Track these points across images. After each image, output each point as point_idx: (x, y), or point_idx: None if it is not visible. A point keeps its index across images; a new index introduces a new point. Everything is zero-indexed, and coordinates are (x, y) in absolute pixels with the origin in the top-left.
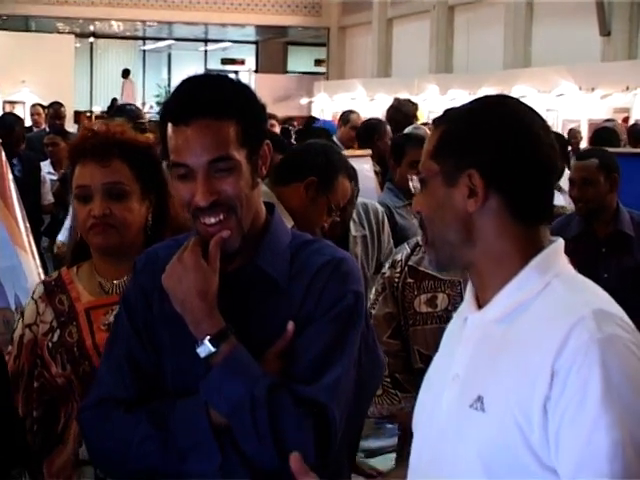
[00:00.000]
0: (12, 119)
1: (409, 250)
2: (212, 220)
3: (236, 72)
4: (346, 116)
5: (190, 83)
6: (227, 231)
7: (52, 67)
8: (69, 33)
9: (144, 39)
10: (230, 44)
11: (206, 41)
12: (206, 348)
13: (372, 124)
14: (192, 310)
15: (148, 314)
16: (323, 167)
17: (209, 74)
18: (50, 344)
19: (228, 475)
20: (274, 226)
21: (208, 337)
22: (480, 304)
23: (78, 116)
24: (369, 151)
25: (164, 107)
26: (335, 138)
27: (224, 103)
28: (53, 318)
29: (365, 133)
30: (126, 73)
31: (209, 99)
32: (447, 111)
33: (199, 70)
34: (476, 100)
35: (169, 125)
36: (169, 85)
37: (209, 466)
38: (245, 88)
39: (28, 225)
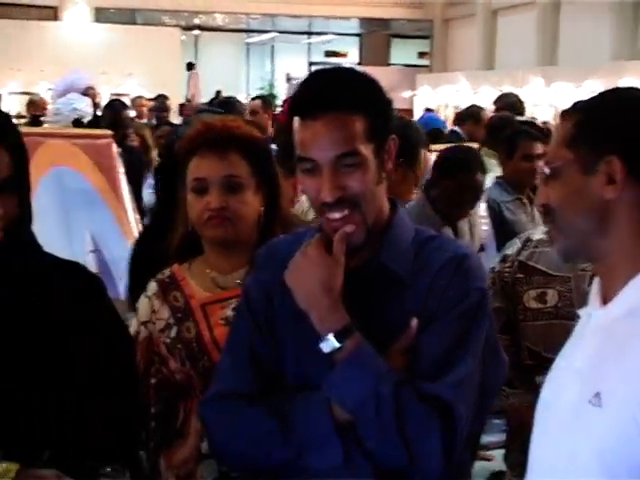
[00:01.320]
0: (119, 104)
1: (520, 245)
2: (337, 215)
3: (339, 64)
4: (473, 111)
5: (318, 77)
6: (351, 226)
7: (158, 60)
8: (175, 26)
9: (248, 32)
10: (334, 37)
11: (310, 34)
12: (330, 344)
13: (502, 119)
14: (316, 306)
15: (269, 309)
16: (406, 144)
17: (337, 67)
18: (168, 340)
19: (351, 472)
20: (398, 222)
21: (332, 333)
22: (605, 300)
23: (183, 108)
24: None
25: (292, 101)
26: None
27: (352, 97)
28: (170, 315)
29: (495, 128)
30: (190, 66)
31: (337, 93)
32: (577, 102)
33: (302, 63)
34: (608, 91)
35: (296, 119)
36: (272, 78)
37: (331, 462)
38: (372, 82)
39: (138, 216)
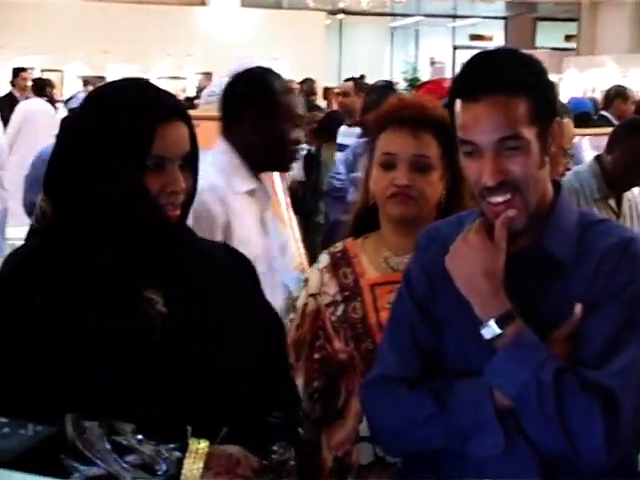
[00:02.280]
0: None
1: None
2: (499, 199)
3: (484, 48)
4: (618, 89)
5: (480, 59)
6: (513, 210)
7: (303, 44)
8: (320, 10)
9: (392, 15)
10: (479, 20)
11: (454, 17)
12: (491, 330)
13: None
14: (477, 291)
15: (430, 292)
16: None
17: (500, 49)
18: (333, 317)
19: (512, 459)
20: (561, 206)
21: (494, 319)
22: None
23: (327, 92)
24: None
25: (453, 83)
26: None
27: (515, 79)
28: (337, 291)
29: None
30: None
31: (500, 75)
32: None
33: (446, 47)
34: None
35: (457, 101)
36: (416, 62)
37: (493, 449)
38: (536, 63)
39: (289, 200)
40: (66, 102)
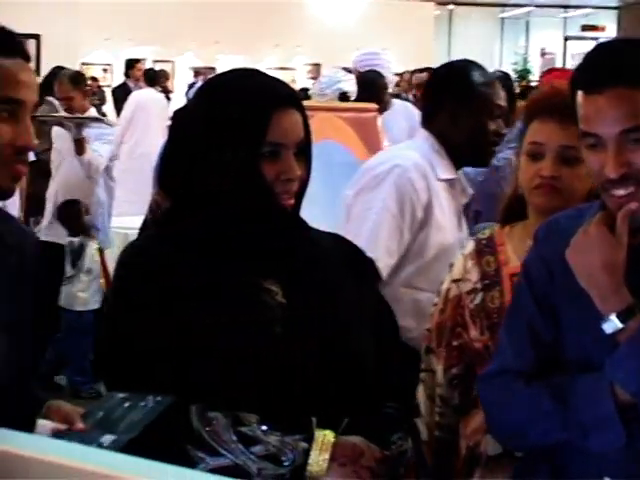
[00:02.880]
0: (375, 74)
1: None
2: (621, 192)
3: (596, 39)
4: None
5: (604, 49)
6: (636, 203)
7: (412, 34)
8: (429, 1)
9: (503, 6)
10: (591, 10)
11: (566, 7)
12: (612, 324)
13: None
14: (598, 285)
15: (549, 285)
16: None
17: (623, 39)
18: (472, 305)
19: (635, 455)
20: None
21: (615, 313)
22: None
23: None
24: None
25: (575, 74)
26: None
27: (639, 70)
28: (478, 279)
29: None
30: None
31: (624, 66)
32: None
33: (557, 37)
34: None
35: (579, 93)
36: (526, 52)
37: (614, 445)
38: None
39: None
40: (187, 92)
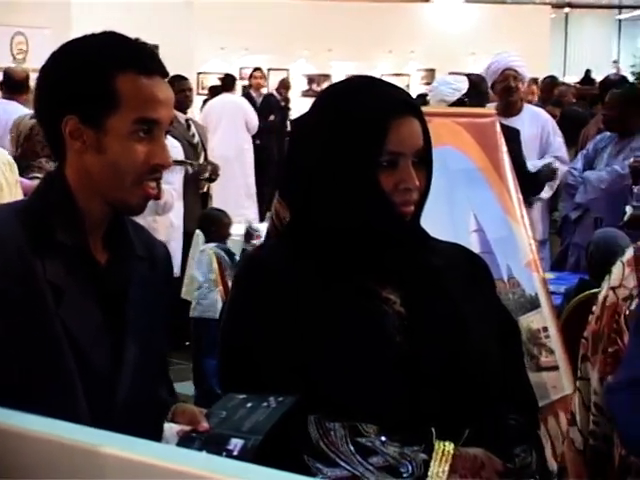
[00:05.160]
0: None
1: None
2: None
3: None
4: None
5: None
6: None
7: (527, 38)
8: (545, 4)
9: (620, 7)
10: None
11: None
12: None
13: None
14: None
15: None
16: None
17: None
18: (627, 312)
19: None
20: None
21: None
22: None
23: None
24: None
25: None
26: None
27: None
28: (635, 285)
29: None
30: None
31: None
32: None
33: None
34: None
35: None
36: None
37: None
38: None
39: (520, 196)
40: None
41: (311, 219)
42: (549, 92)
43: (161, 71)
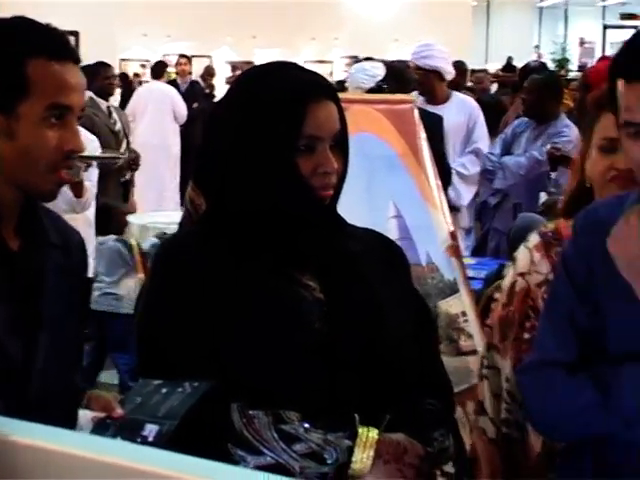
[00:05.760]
0: (402, 65)
1: None
2: None
3: (635, 27)
4: None
5: None
6: None
7: (449, 26)
8: None
9: None
10: None
11: None
12: None
13: None
14: (639, 274)
15: (589, 275)
16: None
17: None
18: (545, 296)
19: None
20: None
21: None
22: None
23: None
24: None
25: (614, 62)
26: None
27: None
28: (549, 270)
29: None
30: None
31: None
32: None
33: (596, 26)
34: None
35: (620, 81)
36: (565, 42)
37: None
38: None
39: (439, 182)
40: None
41: (227, 205)
42: (459, 78)
43: (73, 56)
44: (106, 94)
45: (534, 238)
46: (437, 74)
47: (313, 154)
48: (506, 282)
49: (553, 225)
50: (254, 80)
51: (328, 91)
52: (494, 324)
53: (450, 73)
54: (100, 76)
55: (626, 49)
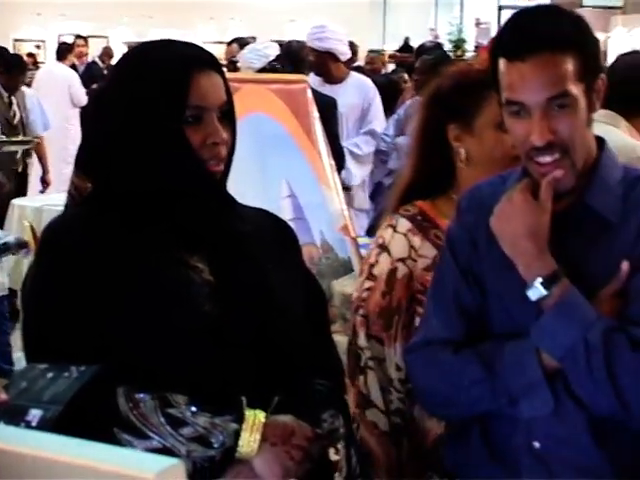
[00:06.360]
0: (298, 45)
1: None
2: (547, 159)
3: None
4: None
5: (524, 16)
6: (560, 170)
7: (346, 7)
8: None
9: None
10: None
11: None
12: (537, 291)
13: None
14: (522, 252)
15: (473, 254)
16: None
17: (542, 6)
18: None
19: (561, 419)
20: (605, 162)
21: (539, 279)
22: None
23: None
24: None
25: (496, 42)
26: None
27: (562, 36)
28: (436, 254)
29: None
30: None
31: (546, 33)
32: None
33: (491, 6)
34: None
35: (502, 61)
36: (461, 23)
37: (542, 410)
38: (579, 19)
39: (333, 162)
40: None
41: (114, 185)
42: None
43: None
44: (13, 88)
45: (403, 222)
46: (331, 55)
47: (201, 125)
48: (382, 269)
49: (413, 208)
50: (137, 56)
51: (212, 63)
52: (371, 313)
53: (344, 54)
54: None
55: (506, 29)
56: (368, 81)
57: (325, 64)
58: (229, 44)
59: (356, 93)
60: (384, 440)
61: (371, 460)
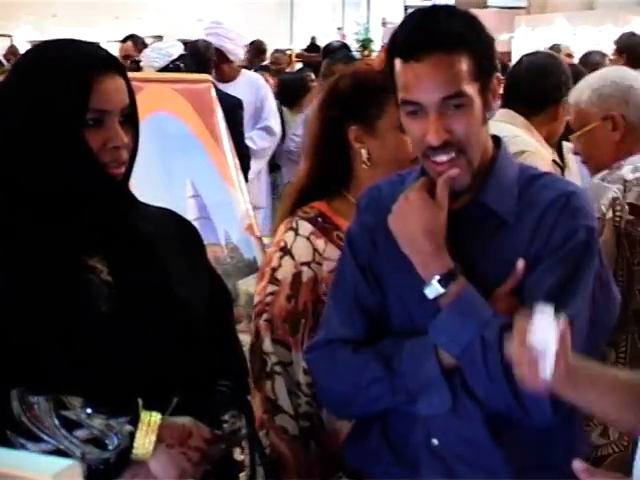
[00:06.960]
0: (204, 44)
1: (621, 187)
2: (444, 158)
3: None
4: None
5: (419, 17)
6: (456, 170)
7: (253, 5)
8: None
9: None
10: None
11: None
12: (434, 289)
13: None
14: (419, 250)
15: (373, 254)
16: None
17: (436, 6)
18: None
19: (459, 416)
20: (500, 161)
21: (437, 278)
22: None
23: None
24: None
25: (391, 42)
26: None
27: (456, 36)
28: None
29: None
30: None
31: (440, 33)
32: None
33: (398, 6)
34: None
35: (397, 61)
36: (368, 22)
37: (440, 408)
38: (473, 19)
39: (237, 162)
40: None
41: (13, 185)
42: (255, 57)
43: None
44: None
45: (306, 226)
46: (220, 53)
47: (102, 128)
48: (286, 273)
49: (312, 210)
50: (39, 56)
51: (114, 65)
52: (276, 318)
53: (235, 55)
54: None
55: (401, 29)
56: (260, 79)
57: (216, 61)
58: (123, 41)
59: (248, 91)
60: (294, 444)
61: (281, 464)
